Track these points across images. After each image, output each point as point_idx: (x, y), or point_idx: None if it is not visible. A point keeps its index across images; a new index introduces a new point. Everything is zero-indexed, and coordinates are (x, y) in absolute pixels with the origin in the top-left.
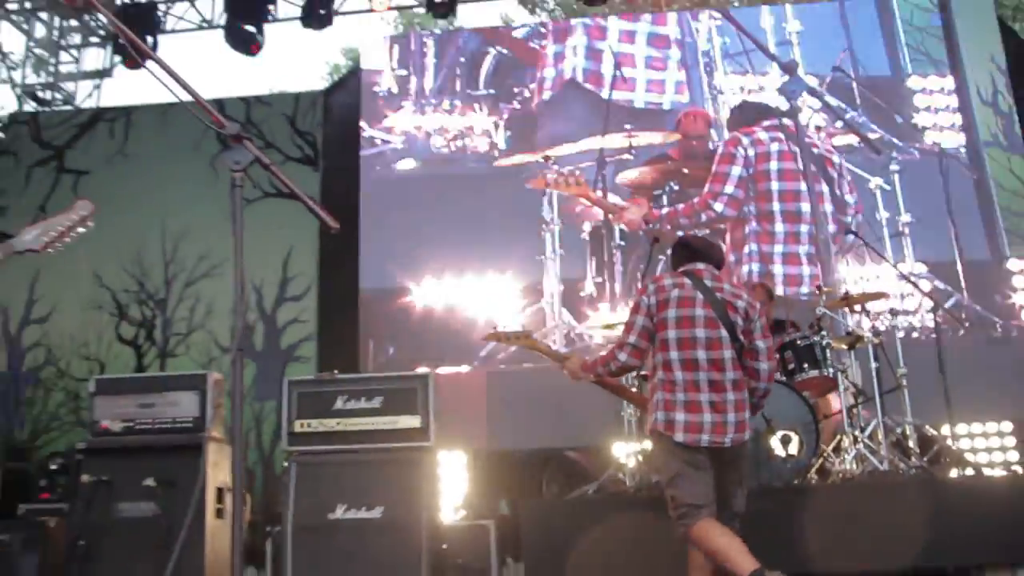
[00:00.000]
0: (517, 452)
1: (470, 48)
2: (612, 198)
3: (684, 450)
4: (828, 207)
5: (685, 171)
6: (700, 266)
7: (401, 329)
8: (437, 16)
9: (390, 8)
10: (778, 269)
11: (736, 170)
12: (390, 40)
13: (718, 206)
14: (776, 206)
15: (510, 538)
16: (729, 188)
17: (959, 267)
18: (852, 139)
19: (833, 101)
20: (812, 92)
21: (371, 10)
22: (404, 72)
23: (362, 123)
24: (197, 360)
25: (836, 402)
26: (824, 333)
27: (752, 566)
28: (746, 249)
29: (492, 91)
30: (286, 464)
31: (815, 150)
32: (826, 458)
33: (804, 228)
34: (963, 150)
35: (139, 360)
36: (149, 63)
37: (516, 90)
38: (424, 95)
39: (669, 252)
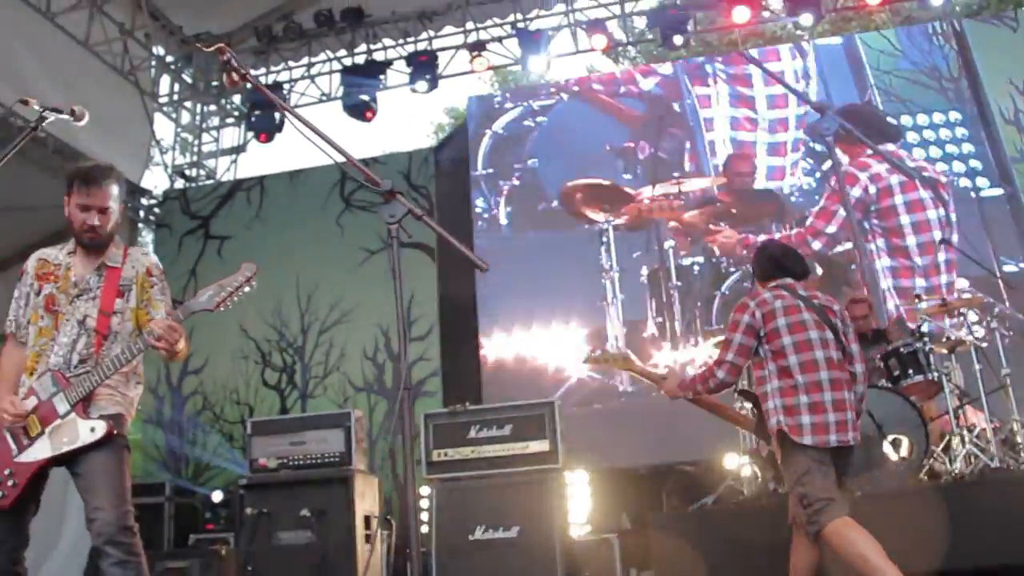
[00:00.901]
0: (635, 469)
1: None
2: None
3: (812, 450)
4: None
5: (734, 211)
6: (789, 280)
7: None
8: (532, 71)
9: (489, 68)
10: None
11: (832, 228)
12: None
13: (816, 245)
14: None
15: (633, 550)
16: (832, 229)
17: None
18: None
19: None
20: (844, 128)
21: (472, 71)
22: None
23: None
24: (334, 400)
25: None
26: (926, 339)
27: (896, 574)
28: None
29: None
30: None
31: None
32: (936, 459)
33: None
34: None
35: (283, 402)
36: (312, 136)
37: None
38: None
39: (753, 263)
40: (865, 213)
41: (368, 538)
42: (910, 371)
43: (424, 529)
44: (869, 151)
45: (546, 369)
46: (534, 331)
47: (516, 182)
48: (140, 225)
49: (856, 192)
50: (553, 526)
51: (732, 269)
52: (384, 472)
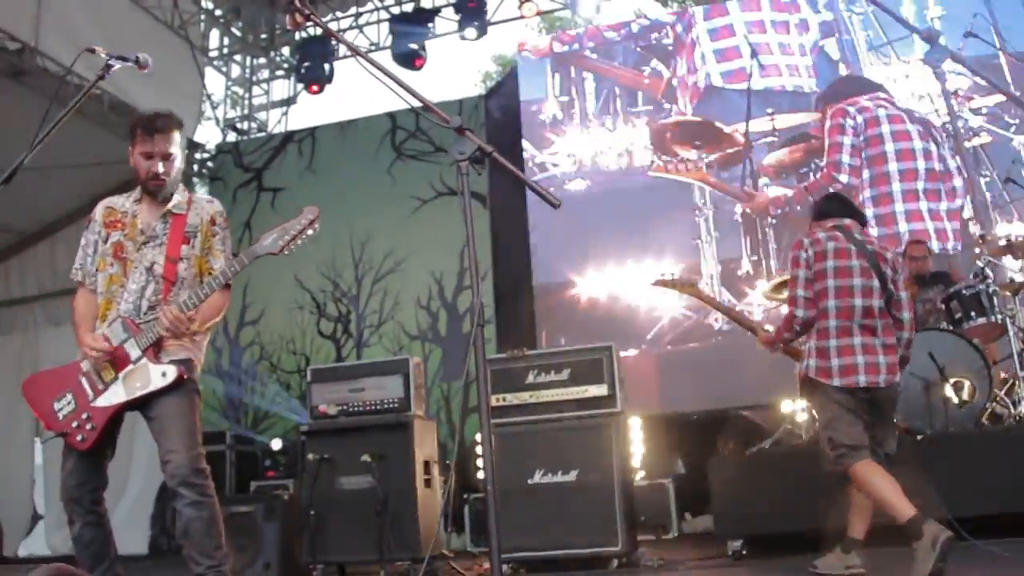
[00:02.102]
0: (688, 415)
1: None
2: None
3: (839, 393)
4: (937, 165)
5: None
6: (847, 221)
7: (569, 319)
8: (583, 16)
9: (538, 13)
10: (903, 227)
11: (848, 140)
12: (550, 69)
13: (843, 177)
14: (892, 167)
15: (688, 494)
16: (846, 158)
17: None
18: (991, 101)
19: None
20: (955, 57)
21: (521, 16)
22: (566, 98)
23: (526, 144)
24: (388, 348)
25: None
26: (989, 281)
27: (910, 512)
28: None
29: (649, 107)
30: (477, 437)
31: (916, 114)
32: (999, 402)
33: (921, 185)
34: None
35: (338, 351)
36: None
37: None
38: (587, 118)
39: (813, 208)
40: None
41: (428, 483)
42: (972, 313)
43: (480, 475)
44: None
45: (639, 308)
46: (629, 268)
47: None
48: (194, 179)
49: (848, 123)
50: (612, 470)
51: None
52: (440, 418)
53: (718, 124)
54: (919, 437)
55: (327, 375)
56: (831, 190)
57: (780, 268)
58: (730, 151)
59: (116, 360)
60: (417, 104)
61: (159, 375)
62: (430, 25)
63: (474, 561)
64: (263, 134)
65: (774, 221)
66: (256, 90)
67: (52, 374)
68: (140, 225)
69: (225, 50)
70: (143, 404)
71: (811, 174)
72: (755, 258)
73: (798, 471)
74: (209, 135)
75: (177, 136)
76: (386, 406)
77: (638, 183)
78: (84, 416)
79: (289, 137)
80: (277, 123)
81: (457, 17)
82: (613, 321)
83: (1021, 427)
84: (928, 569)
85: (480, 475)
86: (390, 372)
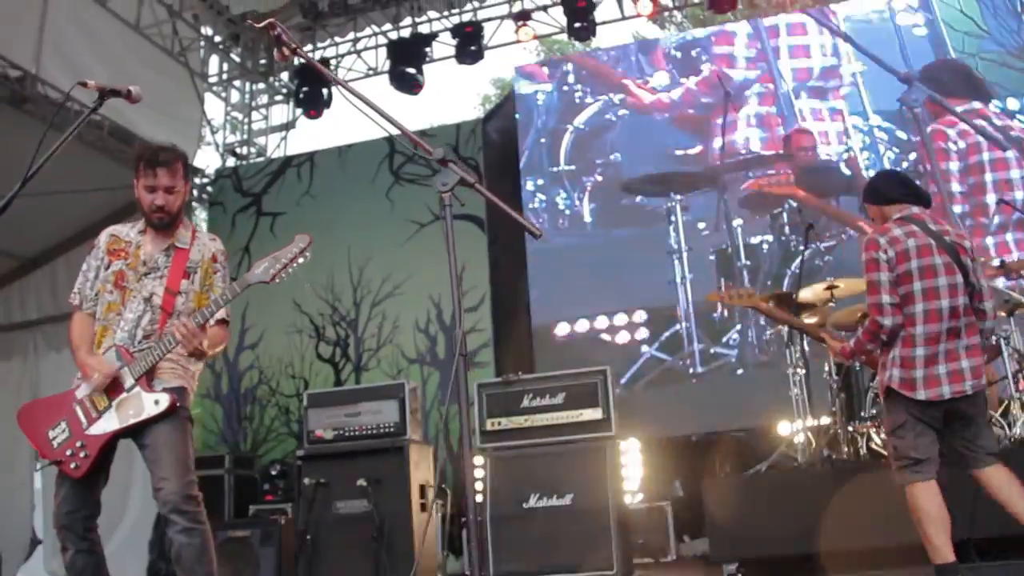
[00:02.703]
0: (687, 438)
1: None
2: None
3: (918, 406)
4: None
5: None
6: (916, 209)
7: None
8: (579, 40)
9: (534, 37)
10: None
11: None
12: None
13: None
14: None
15: (686, 517)
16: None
17: None
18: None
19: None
20: (933, 99)
21: (517, 41)
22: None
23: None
24: (387, 372)
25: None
26: None
27: (947, 558)
28: None
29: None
30: (477, 460)
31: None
32: (994, 423)
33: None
34: None
35: (337, 375)
36: (364, 108)
37: None
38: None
39: (870, 188)
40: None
41: (424, 507)
42: None
43: (479, 498)
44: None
45: (615, 344)
46: (601, 317)
47: (599, 178)
48: (194, 204)
49: (946, 146)
50: (607, 493)
51: (802, 248)
52: (439, 442)
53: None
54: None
55: (324, 400)
56: (891, 172)
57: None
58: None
59: (109, 388)
60: (400, 134)
61: (152, 403)
62: (427, 50)
63: None
64: (262, 159)
65: (748, 262)
66: (255, 115)
67: (46, 402)
68: (143, 256)
69: (224, 76)
70: (136, 432)
71: (783, 214)
72: None
73: (794, 494)
74: (208, 160)
75: (180, 169)
76: (382, 430)
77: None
78: (78, 444)
79: (288, 162)
80: (276, 148)
81: (454, 42)
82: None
83: (1017, 449)
84: None
85: (479, 499)
86: (386, 397)
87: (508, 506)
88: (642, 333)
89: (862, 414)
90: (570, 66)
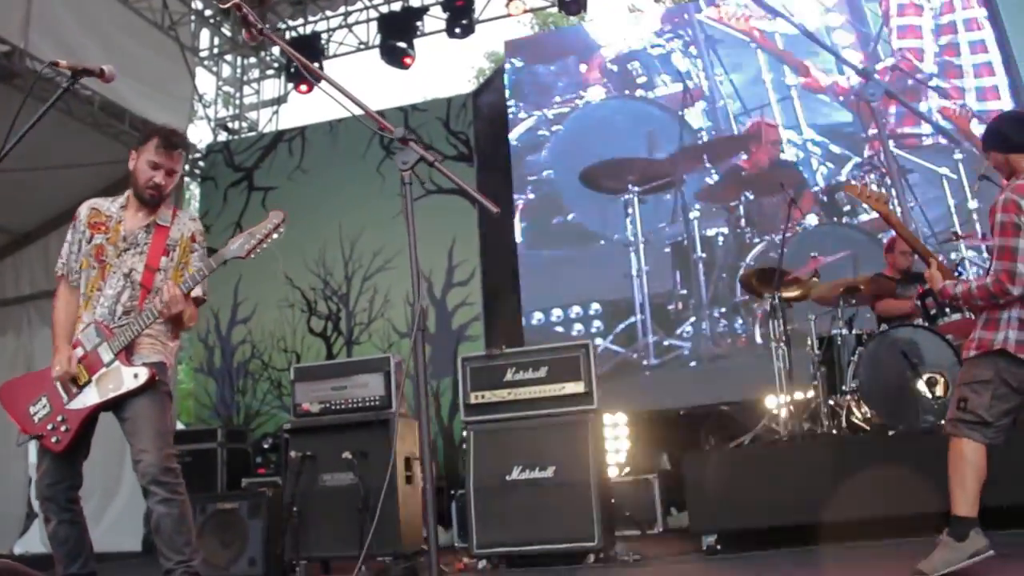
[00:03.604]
0: (675, 411)
1: None
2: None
3: (1010, 365)
4: None
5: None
6: None
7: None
8: (569, 14)
9: (526, 11)
10: None
11: None
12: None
13: None
14: None
15: (673, 489)
16: None
17: None
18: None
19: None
20: (889, 93)
21: (508, 15)
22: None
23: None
24: (379, 345)
25: None
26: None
27: (972, 512)
28: None
29: None
30: (464, 433)
31: None
32: None
33: None
34: None
35: (329, 349)
36: (322, 83)
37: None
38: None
39: (994, 133)
40: None
41: (409, 479)
42: (947, 309)
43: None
44: None
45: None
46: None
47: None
48: (186, 179)
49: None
50: (590, 466)
51: (756, 240)
52: (429, 415)
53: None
54: (891, 432)
55: (310, 373)
56: (1015, 111)
57: (708, 303)
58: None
59: (89, 364)
60: (359, 112)
61: (131, 377)
62: (418, 24)
63: (454, 556)
64: (253, 133)
65: (704, 255)
66: (247, 89)
67: (27, 379)
68: (123, 231)
69: (215, 50)
70: (116, 405)
71: (740, 207)
72: (685, 291)
73: (774, 467)
74: (200, 135)
75: (183, 156)
76: (368, 403)
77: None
78: (59, 419)
79: (279, 136)
80: (267, 122)
81: (445, 15)
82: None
83: None
84: (953, 565)
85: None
86: (372, 370)
87: (491, 478)
88: (596, 325)
89: (843, 388)
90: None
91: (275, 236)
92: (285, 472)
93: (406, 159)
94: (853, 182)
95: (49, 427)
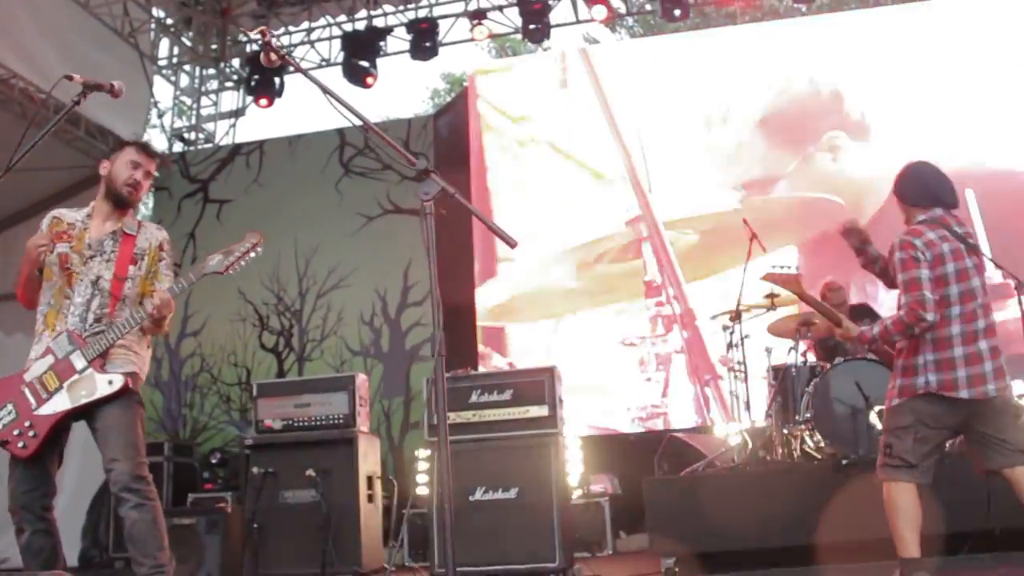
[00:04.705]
0: (625, 436)
1: None
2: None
3: (941, 405)
4: None
5: None
6: (939, 211)
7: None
8: (533, 42)
9: (489, 36)
10: None
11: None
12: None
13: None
14: None
15: (623, 513)
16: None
17: None
18: None
19: None
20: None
21: (472, 39)
22: None
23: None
24: (331, 363)
25: None
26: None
27: (913, 553)
28: None
29: None
30: (417, 453)
31: None
32: None
33: None
34: None
35: (280, 365)
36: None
37: None
38: None
39: (900, 183)
40: None
41: (371, 498)
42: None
43: (425, 491)
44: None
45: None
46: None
47: None
48: None
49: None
50: (552, 488)
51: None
52: (380, 434)
53: None
54: (844, 462)
55: (273, 389)
56: (923, 171)
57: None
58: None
59: (60, 371)
60: (386, 144)
61: (105, 383)
62: (381, 44)
63: (413, 574)
64: (210, 145)
65: None
66: (204, 100)
67: None
68: (88, 239)
69: (174, 59)
70: (88, 414)
71: None
72: None
73: (731, 493)
74: (156, 144)
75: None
76: (331, 422)
77: None
78: (26, 424)
79: (237, 149)
80: (225, 135)
81: (409, 37)
82: None
83: (945, 456)
84: None
85: (420, 491)
86: (336, 388)
87: (456, 498)
88: None
89: (796, 417)
90: None
91: (252, 255)
92: (244, 488)
93: (428, 190)
94: (768, 272)
95: (15, 432)
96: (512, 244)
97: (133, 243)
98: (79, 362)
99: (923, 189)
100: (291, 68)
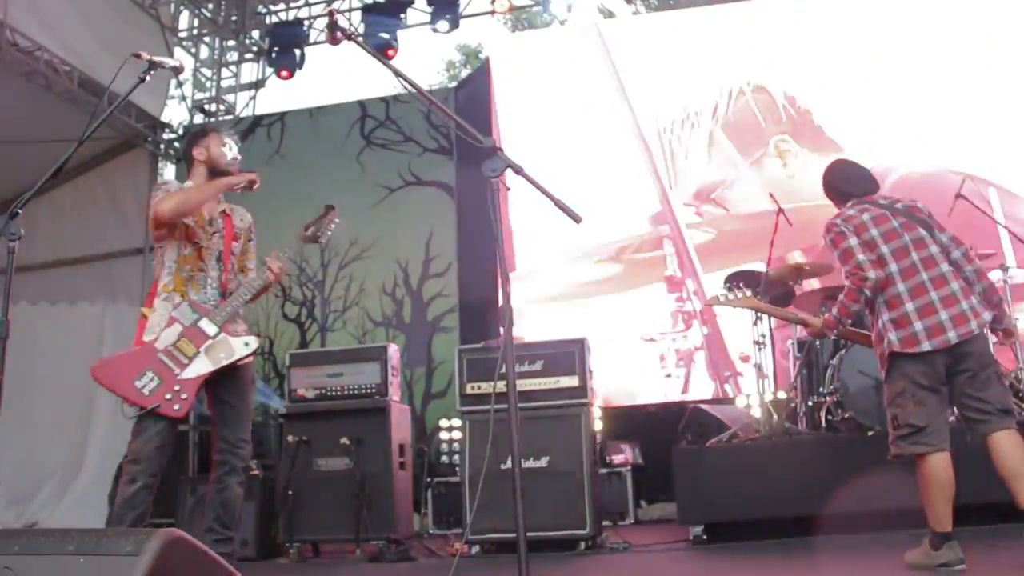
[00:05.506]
0: (646, 407)
1: None
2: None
3: (920, 366)
4: None
5: None
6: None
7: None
8: (548, 12)
9: (511, 9)
10: None
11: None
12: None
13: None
14: None
15: (644, 483)
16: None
17: None
18: None
19: None
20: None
21: (493, 12)
22: None
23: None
24: (353, 334)
25: None
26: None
27: (946, 527)
28: None
29: None
30: (456, 422)
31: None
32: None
33: None
34: None
35: (302, 335)
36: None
37: None
38: None
39: (827, 184)
40: None
41: (402, 465)
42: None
43: (456, 459)
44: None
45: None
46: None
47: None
48: (160, 160)
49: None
50: (582, 456)
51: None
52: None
53: None
54: (869, 433)
55: (306, 359)
56: (837, 172)
57: None
58: None
59: (192, 337)
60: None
61: (242, 345)
62: (402, 16)
63: (445, 542)
64: (231, 117)
65: None
66: (225, 72)
67: (124, 356)
68: (207, 215)
69: (195, 31)
70: (217, 382)
71: None
72: None
73: (755, 463)
74: (176, 115)
75: None
76: (364, 391)
77: None
78: (176, 388)
79: (258, 121)
80: (245, 106)
81: (430, 8)
82: None
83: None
84: (920, 569)
85: (443, 460)
86: (368, 359)
87: (486, 467)
88: None
89: (820, 389)
90: None
91: (333, 226)
92: (280, 455)
93: (494, 167)
94: (713, 297)
95: (167, 396)
96: (578, 220)
97: (232, 222)
98: (210, 328)
99: (847, 184)
100: (346, 41)
